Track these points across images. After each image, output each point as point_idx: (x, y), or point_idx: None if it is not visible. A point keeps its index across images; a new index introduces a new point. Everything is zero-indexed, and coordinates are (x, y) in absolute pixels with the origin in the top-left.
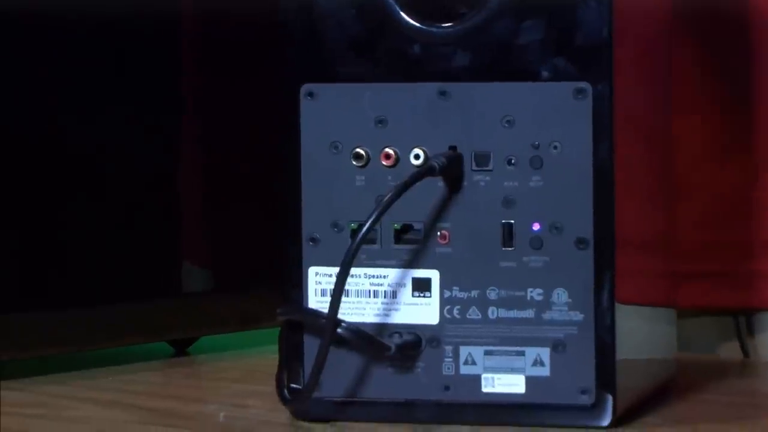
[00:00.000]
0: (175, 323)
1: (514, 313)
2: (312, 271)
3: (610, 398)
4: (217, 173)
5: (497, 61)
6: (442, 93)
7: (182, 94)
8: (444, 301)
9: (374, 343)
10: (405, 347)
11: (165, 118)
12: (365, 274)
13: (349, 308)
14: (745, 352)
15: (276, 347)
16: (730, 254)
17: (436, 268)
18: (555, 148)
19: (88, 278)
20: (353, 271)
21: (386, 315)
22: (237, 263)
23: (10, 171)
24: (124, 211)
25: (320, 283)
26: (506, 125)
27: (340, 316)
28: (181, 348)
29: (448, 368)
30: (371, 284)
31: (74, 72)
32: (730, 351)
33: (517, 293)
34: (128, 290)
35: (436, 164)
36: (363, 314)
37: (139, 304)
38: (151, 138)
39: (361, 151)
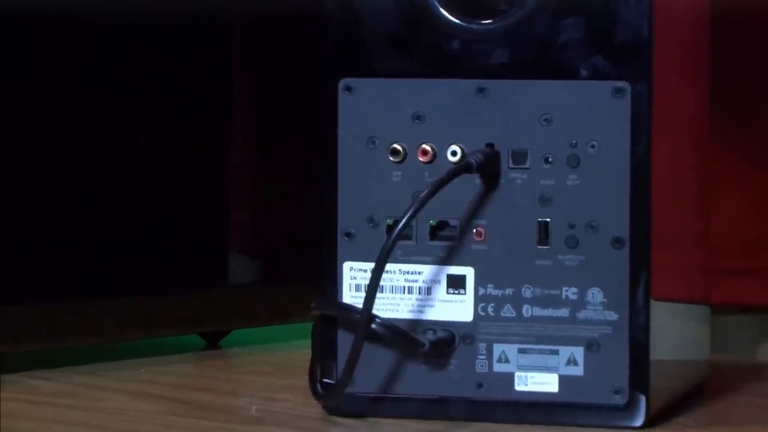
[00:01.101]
0: (209, 316)
1: (548, 312)
2: (347, 266)
3: (643, 399)
4: (262, 166)
5: (536, 59)
6: (481, 90)
7: (232, 85)
8: (478, 299)
9: (408, 339)
10: (438, 344)
11: (214, 110)
12: (400, 270)
13: (384, 304)
14: None
15: (308, 342)
16: (767, 251)
17: (471, 265)
18: (592, 147)
19: (120, 269)
20: (388, 266)
21: (420, 311)
22: (274, 256)
23: (61, 159)
24: (164, 202)
25: (355, 278)
26: (544, 123)
27: (374, 311)
28: (213, 341)
29: (482, 366)
30: (406, 280)
31: (125, 61)
32: (766, 352)
33: (552, 292)
34: (162, 281)
35: (473, 161)
36: (397, 310)
37: (172, 296)
38: (199, 130)
39: (398, 147)
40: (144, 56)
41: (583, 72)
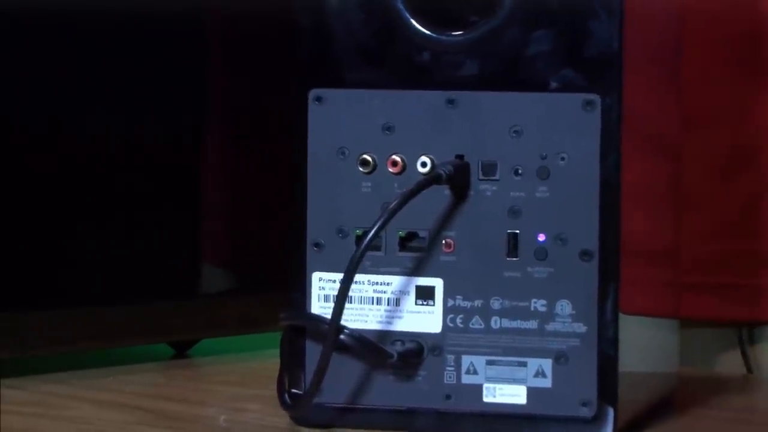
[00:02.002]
0: (178, 325)
1: (517, 324)
2: (316, 276)
3: (611, 411)
4: (233, 176)
5: (506, 71)
6: (451, 101)
7: (205, 96)
8: (447, 310)
9: (376, 350)
10: (407, 355)
11: (186, 120)
12: (369, 280)
13: (352, 315)
14: (749, 368)
15: (276, 351)
16: (737, 266)
17: (440, 277)
18: (562, 159)
19: (89, 278)
20: (357, 277)
21: (389, 322)
22: (243, 266)
23: (25, 168)
24: (135, 212)
25: (324, 288)
26: (514, 135)
27: (342, 322)
28: (182, 350)
29: (450, 377)
30: (375, 291)
31: (99, 72)
32: (733, 365)
33: (521, 304)
34: (130, 291)
35: (442, 172)
36: (366, 321)
37: (140, 305)
38: (171, 140)
39: (368, 158)
40: (116, 67)
41: (553, 84)
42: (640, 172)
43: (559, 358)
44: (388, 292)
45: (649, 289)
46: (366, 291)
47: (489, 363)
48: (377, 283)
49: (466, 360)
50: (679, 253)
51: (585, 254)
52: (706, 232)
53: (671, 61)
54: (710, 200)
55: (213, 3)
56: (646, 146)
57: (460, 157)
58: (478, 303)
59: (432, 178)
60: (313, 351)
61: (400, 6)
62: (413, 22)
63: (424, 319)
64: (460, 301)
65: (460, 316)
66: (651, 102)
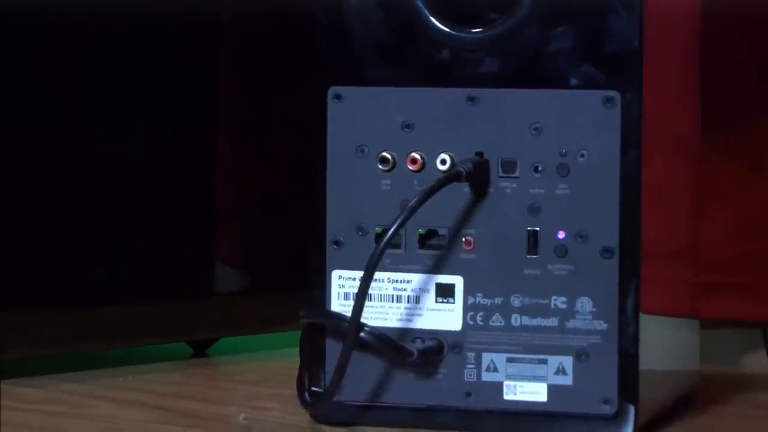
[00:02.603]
0: (197, 324)
1: (537, 321)
2: (335, 274)
3: (632, 409)
4: (249, 174)
5: (526, 68)
6: (471, 99)
7: (219, 95)
8: (467, 308)
9: (396, 347)
10: (427, 353)
11: (201, 119)
12: (389, 278)
13: (372, 312)
14: None
15: (295, 350)
16: (758, 266)
17: (460, 274)
18: (582, 156)
19: (107, 278)
20: (377, 275)
21: (409, 320)
22: (262, 265)
23: (41, 167)
24: (151, 211)
25: (343, 286)
26: (534, 132)
27: (362, 320)
28: (201, 349)
29: (470, 375)
30: (395, 289)
31: (110, 68)
32: (756, 364)
33: (541, 301)
34: (150, 290)
35: (462, 170)
36: (386, 319)
37: (160, 305)
38: (186, 139)
39: (388, 155)
40: (130, 65)
41: (573, 81)
42: (660, 171)
43: (579, 356)
44: (408, 290)
45: (668, 289)
46: (386, 289)
47: (509, 360)
48: (397, 281)
49: (486, 357)
50: (698, 253)
51: (605, 251)
52: (726, 232)
53: (692, 60)
54: (729, 200)
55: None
56: (665, 146)
57: (479, 154)
58: (498, 300)
59: (452, 176)
60: (333, 349)
61: (420, 4)
62: (433, 19)
63: (444, 317)
64: (480, 299)
65: (481, 313)
66: (671, 102)
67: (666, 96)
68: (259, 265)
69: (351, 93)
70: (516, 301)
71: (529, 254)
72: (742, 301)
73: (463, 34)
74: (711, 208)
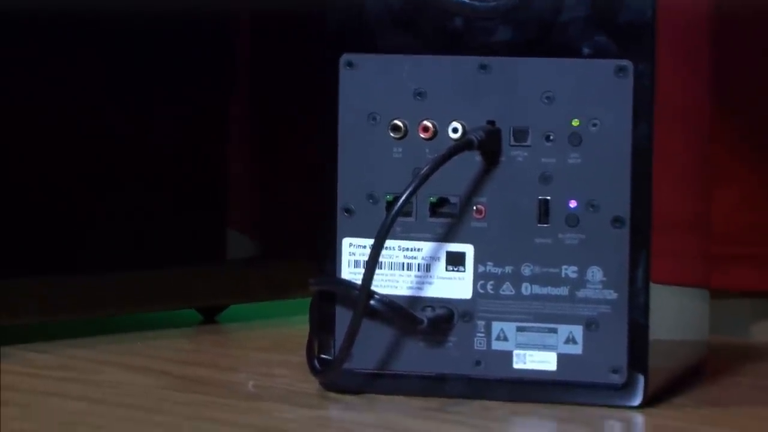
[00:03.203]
0: (206, 290)
1: (547, 290)
2: (346, 242)
3: (641, 378)
4: (260, 141)
5: (539, 37)
6: (483, 67)
7: (230, 63)
8: (478, 276)
9: (406, 316)
10: (437, 321)
11: (213, 88)
12: (399, 246)
13: (383, 280)
14: None
15: (305, 317)
16: (766, 238)
17: (471, 243)
18: (594, 125)
19: (117, 244)
20: (387, 243)
21: (419, 288)
22: (272, 232)
23: (61, 134)
24: (162, 178)
25: (354, 254)
26: (546, 101)
27: (372, 288)
28: (210, 316)
29: (480, 343)
30: (405, 257)
31: (120, 47)
32: (765, 334)
33: (552, 270)
34: (160, 256)
35: (474, 138)
36: (396, 287)
37: (169, 270)
38: (198, 109)
39: (399, 123)
40: (140, 41)
41: (586, 50)
42: (671, 142)
43: (589, 325)
44: (419, 258)
45: (679, 259)
46: (396, 257)
47: (519, 329)
48: (408, 249)
49: (496, 326)
50: (709, 223)
51: (616, 221)
52: (736, 203)
53: (706, 34)
54: (742, 171)
55: None
56: (676, 117)
57: (491, 122)
58: (508, 269)
59: (463, 144)
60: (343, 317)
61: None
62: None
63: (455, 286)
64: (490, 268)
65: (491, 282)
66: (683, 75)
67: (678, 70)
68: (270, 231)
69: (363, 60)
70: (526, 270)
71: (540, 223)
72: (751, 271)
73: (476, 2)
74: (721, 180)
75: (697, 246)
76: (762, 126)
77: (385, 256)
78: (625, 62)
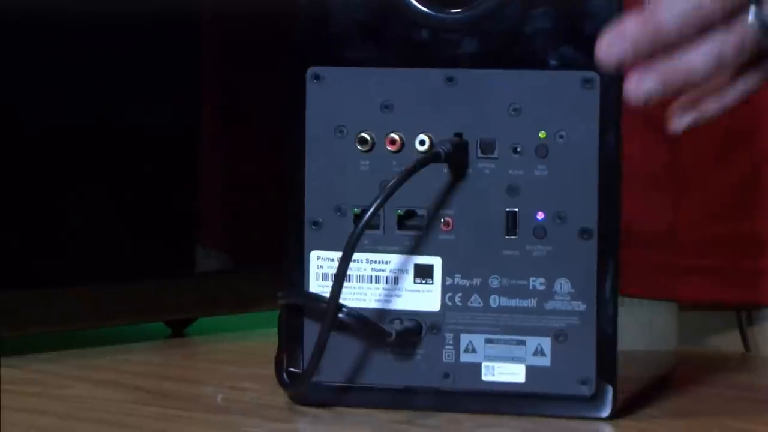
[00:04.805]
0: (174, 303)
1: (515, 302)
2: (314, 255)
3: (610, 389)
4: (229, 155)
5: (505, 49)
6: (449, 79)
7: (199, 76)
8: (446, 289)
9: (375, 328)
10: (405, 334)
11: (182, 100)
12: (367, 259)
13: (351, 293)
14: (747, 346)
15: (273, 330)
16: (733, 249)
17: (439, 255)
18: (561, 137)
19: (86, 257)
20: (355, 256)
21: (387, 301)
22: (240, 245)
23: (18, 150)
24: (131, 191)
25: (322, 267)
26: (513, 113)
27: (341, 301)
28: (178, 329)
29: (449, 356)
30: (373, 270)
31: (90, 50)
32: (731, 344)
33: (520, 282)
34: (128, 269)
35: (441, 150)
36: (364, 300)
37: (136, 284)
38: (167, 121)
39: (366, 136)
40: (110, 46)
41: (552, 62)
42: (637, 155)
43: (558, 337)
44: (387, 271)
45: (645, 271)
46: (364, 270)
47: (488, 341)
48: (376, 262)
49: (464, 338)
50: (675, 235)
51: (584, 232)
52: (702, 215)
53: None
54: (706, 182)
55: None
56: (643, 129)
57: (458, 135)
58: (476, 281)
59: (430, 156)
60: (311, 330)
61: None
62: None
63: (423, 298)
64: (458, 280)
65: (459, 294)
66: None
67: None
68: (238, 244)
69: (330, 73)
70: (494, 282)
71: (507, 235)
72: (720, 284)
73: (442, 15)
74: (687, 191)
75: (662, 258)
76: (724, 134)
77: (353, 269)
78: (591, 74)
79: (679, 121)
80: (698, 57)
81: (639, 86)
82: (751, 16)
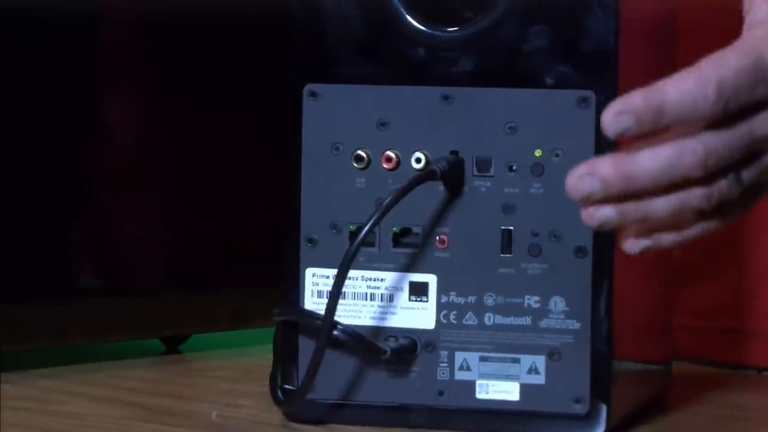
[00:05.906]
0: (169, 320)
1: (510, 320)
2: (309, 272)
3: (604, 408)
4: (219, 169)
5: (501, 67)
6: (446, 97)
7: (196, 91)
8: (441, 306)
9: (369, 346)
10: (400, 351)
11: (178, 112)
12: (363, 276)
13: (346, 311)
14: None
15: (268, 347)
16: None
17: (434, 273)
18: (557, 155)
19: (80, 272)
20: (351, 273)
21: (382, 318)
22: (236, 261)
23: (15, 168)
24: (123, 202)
25: (317, 284)
26: (509, 131)
27: (336, 318)
28: (173, 345)
29: (443, 373)
30: (368, 287)
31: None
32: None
33: (515, 300)
34: (123, 284)
35: (437, 168)
36: (359, 317)
37: (132, 299)
38: (157, 133)
39: (363, 153)
40: (89, 63)
41: (549, 80)
42: None
43: (552, 355)
44: (382, 288)
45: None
46: (359, 287)
47: (482, 359)
48: (371, 279)
49: (459, 356)
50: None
51: (579, 251)
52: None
53: (668, 61)
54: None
55: None
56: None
57: (454, 153)
58: (471, 299)
59: (426, 174)
60: (306, 347)
61: (396, 2)
62: (408, 17)
63: (418, 315)
64: (453, 298)
65: (454, 312)
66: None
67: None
68: (234, 260)
69: (327, 90)
70: (489, 300)
71: (502, 253)
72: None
73: (438, 33)
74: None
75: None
76: None
77: (348, 286)
78: (587, 93)
79: (634, 244)
80: (662, 202)
81: (596, 211)
82: (730, 179)
